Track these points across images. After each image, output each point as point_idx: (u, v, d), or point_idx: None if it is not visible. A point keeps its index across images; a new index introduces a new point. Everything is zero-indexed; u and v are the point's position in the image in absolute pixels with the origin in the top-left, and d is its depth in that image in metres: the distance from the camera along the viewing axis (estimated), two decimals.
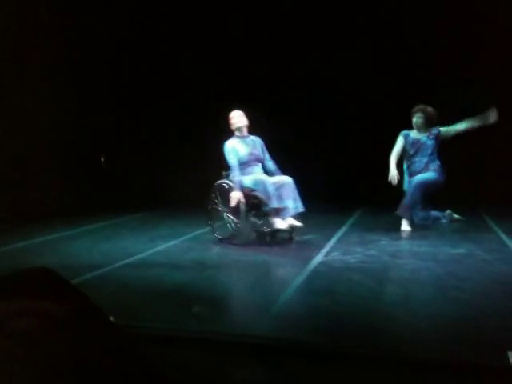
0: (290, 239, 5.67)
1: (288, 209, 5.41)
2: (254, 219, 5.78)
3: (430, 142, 6.23)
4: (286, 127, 8.23)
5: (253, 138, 5.92)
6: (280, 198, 5.39)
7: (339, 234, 5.98)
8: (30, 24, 7.66)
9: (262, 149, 5.92)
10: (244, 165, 5.72)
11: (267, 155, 5.95)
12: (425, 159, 6.21)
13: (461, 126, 6.14)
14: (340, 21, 8.24)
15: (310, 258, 4.80)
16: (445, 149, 8.08)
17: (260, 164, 5.84)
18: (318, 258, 4.85)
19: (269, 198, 5.35)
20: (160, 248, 5.53)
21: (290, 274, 4.29)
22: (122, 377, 0.61)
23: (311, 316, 3.34)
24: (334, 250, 5.14)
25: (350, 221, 6.85)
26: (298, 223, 5.43)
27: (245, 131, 5.86)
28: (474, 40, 7.71)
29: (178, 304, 3.72)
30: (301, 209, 5.49)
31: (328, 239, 5.64)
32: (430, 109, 6.24)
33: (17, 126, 7.58)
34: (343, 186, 8.33)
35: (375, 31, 8.15)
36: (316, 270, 4.44)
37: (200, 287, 4.14)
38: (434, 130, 6.25)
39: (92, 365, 0.57)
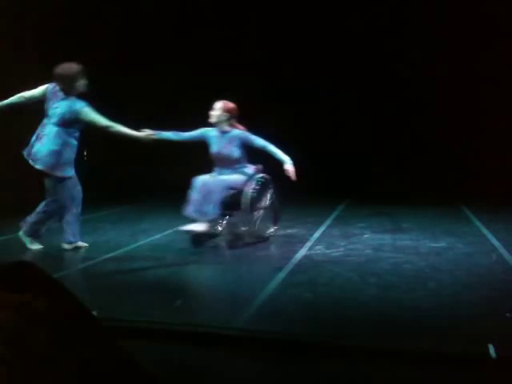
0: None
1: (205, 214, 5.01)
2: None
3: None
4: (269, 114, 8.24)
5: (235, 133, 5.30)
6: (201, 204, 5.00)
7: (323, 227, 6.01)
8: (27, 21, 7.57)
9: (240, 146, 5.28)
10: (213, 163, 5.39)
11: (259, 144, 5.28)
12: None
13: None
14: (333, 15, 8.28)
15: (294, 252, 4.83)
16: (428, 142, 8.20)
17: (233, 165, 5.30)
18: (302, 251, 4.88)
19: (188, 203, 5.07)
20: (143, 242, 5.50)
21: (274, 268, 4.31)
22: (102, 370, 0.61)
23: (294, 308, 3.36)
24: (318, 244, 5.17)
25: (334, 214, 6.88)
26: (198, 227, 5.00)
27: (223, 126, 5.28)
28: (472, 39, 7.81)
29: (161, 298, 3.71)
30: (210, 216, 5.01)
31: (312, 233, 5.67)
32: None
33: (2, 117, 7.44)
34: (328, 178, 8.38)
35: (365, 25, 8.21)
36: (299, 264, 4.47)
37: (183, 281, 4.15)
38: None
39: (71, 357, 0.57)
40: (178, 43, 8.74)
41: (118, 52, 8.39)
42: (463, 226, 5.89)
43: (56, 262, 4.69)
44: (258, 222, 5.36)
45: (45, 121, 4.95)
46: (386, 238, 5.37)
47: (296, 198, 7.84)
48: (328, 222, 6.31)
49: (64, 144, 4.88)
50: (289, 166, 5.15)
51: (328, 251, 4.87)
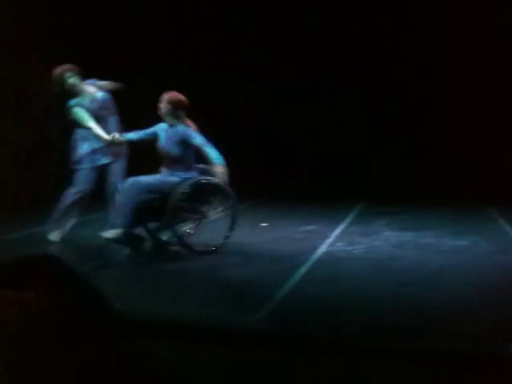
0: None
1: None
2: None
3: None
4: (292, 115, 8.26)
5: (178, 128, 5.03)
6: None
7: (344, 224, 5.98)
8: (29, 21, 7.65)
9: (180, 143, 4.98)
10: None
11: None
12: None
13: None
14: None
15: (314, 249, 4.82)
16: (453, 140, 8.10)
17: (174, 165, 4.98)
18: (323, 248, 4.88)
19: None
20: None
21: (294, 264, 4.31)
22: (104, 369, 0.59)
23: (313, 305, 3.37)
24: (339, 241, 5.15)
25: (356, 211, 6.85)
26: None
27: (169, 120, 5.02)
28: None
29: (180, 292, 3.75)
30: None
31: (332, 229, 5.65)
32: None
33: (13, 110, 7.51)
34: (349, 176, 8.34)
35: (365, 24, 8.19)
36: (320, 260, 4.46)
37: (202, 276, 4.17)
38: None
39: (73, 357, 0.56)
40: (177, 44, 8.78)
41: (118, 52, 8.40)
42: (487, 225, 5.81)
43: (79, 256, 4.77)
44: (194, 230, 4.93)
45: None
46: (407, 236, 5.33)
47: (316, 194, 7.83)
48: (349, 219, 6.29)
49: (79, 139, 5.23)
50: (218, 167, 4.76)
51: (348, 248, 4.85)
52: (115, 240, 4.72)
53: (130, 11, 8.34)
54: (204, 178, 4.92)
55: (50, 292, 0.59)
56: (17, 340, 0.54)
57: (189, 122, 5.10)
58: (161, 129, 5.05)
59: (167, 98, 4.98)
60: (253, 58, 8.59)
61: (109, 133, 5.14)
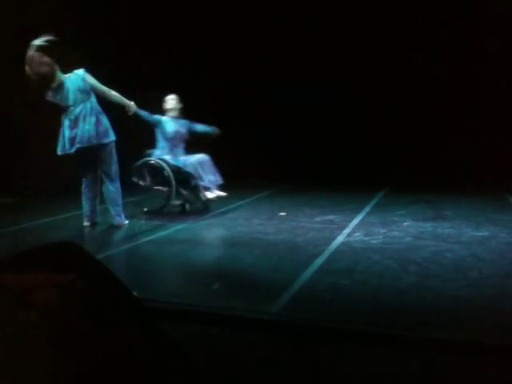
0: (206, 209, 6.38)
1: (212, 182, 6.25)
2: (185, 192, 6.31)
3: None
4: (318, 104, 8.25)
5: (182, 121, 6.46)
6: (204, 174, 6.20)
7: (362, 214, 5.95)
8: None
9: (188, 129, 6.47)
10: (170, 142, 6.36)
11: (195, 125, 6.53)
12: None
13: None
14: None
15: (332, 239, 4.80)
16: (471, 130, 7.98)
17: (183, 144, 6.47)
18: (340, 238, 4.85)
19: (199, 175, 6.12)
20: (183, 225, 5.58)
21: (311, 254, 4.30)
22: (141, 349, 0.61)
23: (331, 295, 3.35)
24: (356, 231, 5.12)
25: (374, 201, 6.81)
26: (222, 193, 6.30)
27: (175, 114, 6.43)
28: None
29: (199, 281, 3.77)
30: (220, 181, 6.32)
31: (350, 219, 5.63)
32: None
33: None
34: (368, 165, 8.29)
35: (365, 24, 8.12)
36: (337, 251, 4.44)
37: (220, 265, 4.18)
38: None
39: (110, 337, 0.58)
40: (179, 44, 8.75)
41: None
42: (507, 215, 5.73)
43: (97, 244, 4.81)
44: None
45: None
46: (427, 226, 5.28)
47: (335, 184, 7.80)
48: (367, 209, 6.25)
49: None
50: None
51: (366, 238, 4.82)
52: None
53: (129, 11, 8.36)
54: None
55: (90, 275, 0.61)
56: (61, 320, 0.55)
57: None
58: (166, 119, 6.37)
59: (178, 97, 6.45)
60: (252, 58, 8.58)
61: None
